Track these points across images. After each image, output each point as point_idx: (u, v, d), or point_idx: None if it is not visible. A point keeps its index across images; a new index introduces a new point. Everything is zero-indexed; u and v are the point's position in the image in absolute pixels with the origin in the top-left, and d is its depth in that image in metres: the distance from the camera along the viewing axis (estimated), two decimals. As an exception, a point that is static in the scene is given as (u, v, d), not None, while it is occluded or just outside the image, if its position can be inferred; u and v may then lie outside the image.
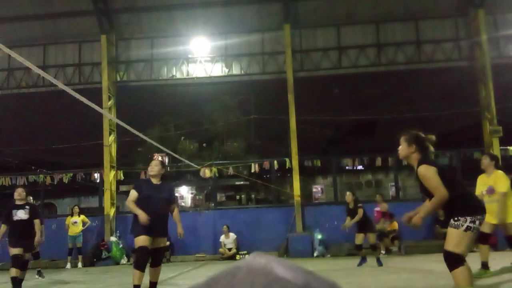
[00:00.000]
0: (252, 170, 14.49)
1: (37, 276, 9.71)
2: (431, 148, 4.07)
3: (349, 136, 22.22)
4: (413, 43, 14.08)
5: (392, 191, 19.59)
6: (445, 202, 3.86)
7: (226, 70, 14.43)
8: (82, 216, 12.88)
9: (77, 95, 6.16)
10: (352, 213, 9.22)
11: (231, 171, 14.60)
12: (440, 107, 14.33)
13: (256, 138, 19.17)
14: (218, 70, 14.48)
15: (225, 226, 12.85)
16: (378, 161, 14.01)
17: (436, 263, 8.46)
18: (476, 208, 3.84)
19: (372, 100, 15.98)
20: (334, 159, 14.89)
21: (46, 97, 15.08)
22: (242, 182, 18.95)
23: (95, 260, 12.99)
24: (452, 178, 4.07)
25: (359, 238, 9.19)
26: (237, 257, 12.51)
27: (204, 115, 18.15)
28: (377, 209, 12.46)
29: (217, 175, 14.35)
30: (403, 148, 4.09)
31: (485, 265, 6.59)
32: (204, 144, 20.21)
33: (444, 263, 3.99)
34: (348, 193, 9.59)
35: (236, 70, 14.49)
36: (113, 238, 13.23)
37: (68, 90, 6.23)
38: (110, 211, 13.59)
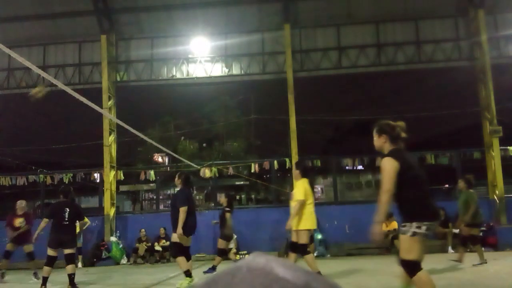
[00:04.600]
0: (252, 170, 14.48)
1: (33, 278, 9.67)
2: (403, 135, 4.01)
3: (349, 136, 22.22)
4: (413, 43, 14.08)
5: (392, 191, 19.54)
6: (400, 201, 3.82)
7: (226, 70, 14.43)
8: (82, 216, 12.86)
9: (77, 95, 6.16)
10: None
11: (231, 171, 14.59)
12: (440, 107, 14.33)
13: (256, 138, 19.17)
14: (218, 70, 14.49)
15: (225, 226, 12.85)
16: (378, 161, 14.00)
17: (436, 263, 8.46)
18: (423, 214, 3.76)
19: (372, 100, 15.97)
20: (334, 159, 14.88)
21: (46, 97, 15.05)
22: (242, 182, 18.94)
23: (95, 260, 13.00)
24: (415, 177, 3.85)
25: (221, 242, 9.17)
26: (237, 257, 12.50)
27: (204, 115, 18.14)
28: None
29: (217, 175, 14.35)
30: (375, 140, 4.11)
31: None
32: (204, 144, 20.21)
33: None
34: (222, 194, 9.95)
35: (236, 70, 14.48)
36: (113, 238, 13.24)
37: (68, 90, 6.23)
38: (110, 211, 13.59)
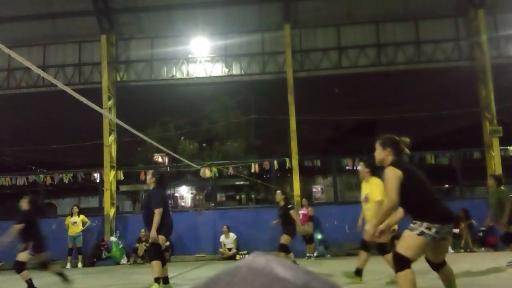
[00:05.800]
0: (252, 170, 14.48)
1: None
2: (406, 151, 4.10)
3: (349, 136, 22.22)
4: (413, 43, 14.07)
5: (392, 191, 19.53)
6: (410, 208, 3.90)
7: (226, 70, 14.43)
8: (82, 216, 12.90)
9: (77, 95, 6.15)
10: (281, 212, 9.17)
11: (231, 171, 14.59)
12: (440, 107, 14.32)
13: (256, 138, 19.17)
14: (218, 70, 14.48)
15: (225, 226, 12.85)
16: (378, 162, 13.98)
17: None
18: (434, 216, 3.74)
19: (372, 100, 15.98)
20: (334, 159, 14.87)
21: (46, 97, 15.07)
22: (242, 182, 18.95)
23: (95, 260, 13.00)
24: (421, 183, 3.92)
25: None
26: (237, 257, 12.51)
27: (204, 115, 18.15)
28: (303, 212, 12.33)
29: (217, 175, 14.34)
30: (378, 152, 4.18)
31: (358, 272, 6.53)
32: (204, 144, 20.22)
33: (449, 261, 4.01)
34: (278, 192, 9.72)
35: (236, 70, 14.48)
36: (113, 238, 13.24)
37: (68, 90, 6.22)
38: (110, 211, 13.59)
